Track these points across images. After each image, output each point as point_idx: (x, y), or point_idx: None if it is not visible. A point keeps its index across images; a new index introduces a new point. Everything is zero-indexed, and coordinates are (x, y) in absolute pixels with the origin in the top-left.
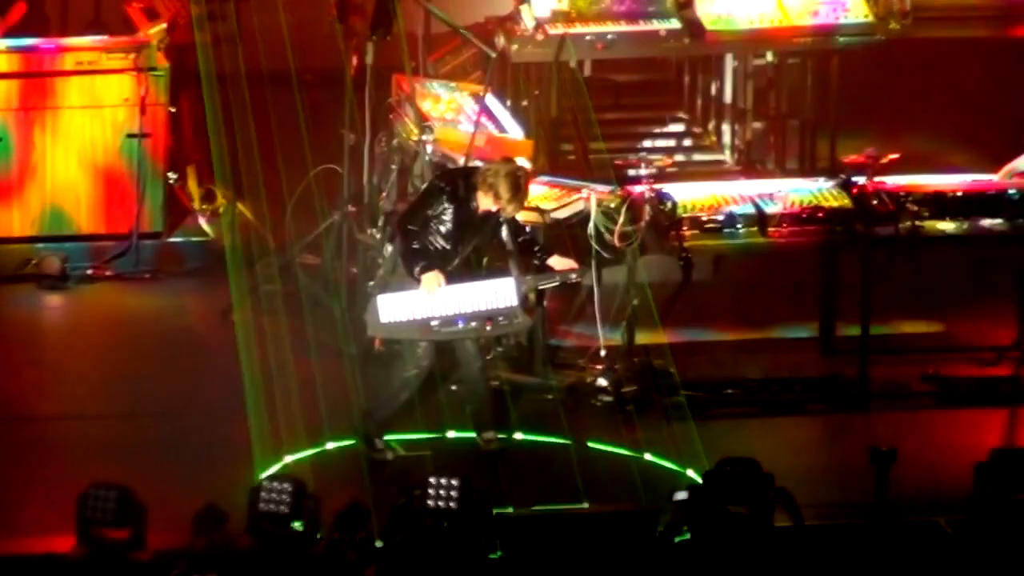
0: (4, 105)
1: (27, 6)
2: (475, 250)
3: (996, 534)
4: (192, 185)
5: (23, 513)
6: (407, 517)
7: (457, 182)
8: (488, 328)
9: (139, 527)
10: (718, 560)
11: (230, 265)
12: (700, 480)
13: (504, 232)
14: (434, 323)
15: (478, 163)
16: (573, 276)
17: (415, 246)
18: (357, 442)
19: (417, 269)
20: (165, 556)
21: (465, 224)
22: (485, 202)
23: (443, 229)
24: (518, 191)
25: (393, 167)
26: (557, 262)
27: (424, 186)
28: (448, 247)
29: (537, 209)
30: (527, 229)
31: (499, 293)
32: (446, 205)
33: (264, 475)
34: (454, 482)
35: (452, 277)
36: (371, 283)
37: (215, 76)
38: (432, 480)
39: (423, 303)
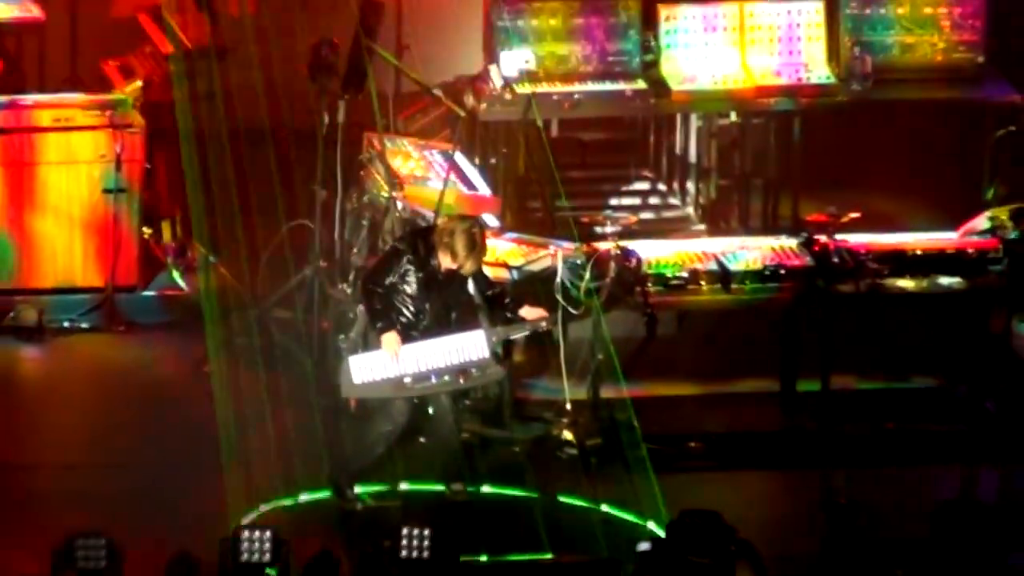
0: None
1: (4, 63)
2: (444, 306)
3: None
4: (167, 239)
5: (4, 557)
6: (377, 565)
7: (417, 243)
8: (462, 381)
9: (115, 572)
10: None
11: (205, 318)
12: (661, 532)
13: (471, 286)
14: (407, 379)
15: (438, 221)
16: (543, 324)
17: (377, 306)
18: (330, 492)
19: (377, 329)
20: None
21: (430, 283)
22: (445, 260)
23: (409, 290)
24: (474, 247)
25: (364, 223)
26: (528, 312)
27: (386, 248)
28: (416, 307)
29: (505, 265)
30: (494, 283)
31: (471, 346)
32: (408, 267)
33: (240, 523)
34: (424, 532)
35: (423, 333)
36: (342, 337)
37: (191, 133)
38: (403, 530)
39: (395, 361)
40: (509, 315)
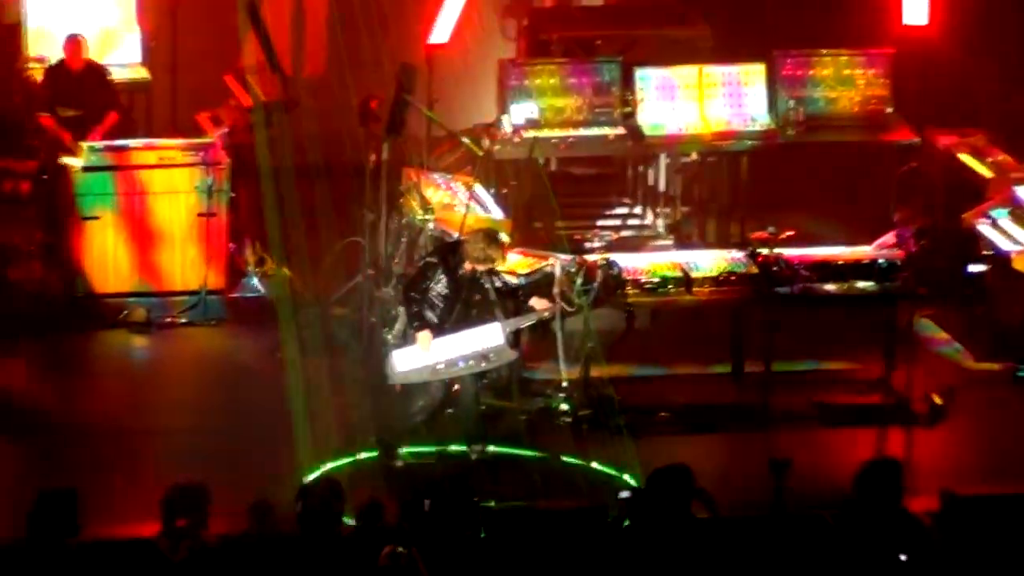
0: (104, 191)
1: (119, 115)
2: (467, 305)
3: (869, 525)
4: (248, 253)
5: (122, 505)
6: (414, 509)
7: (447, 256)
8: (483, 364)
9: (206, 516)
10: (653, 543)
11: (278, 315)
12: (637, 483)
13: (489, 287)
14: (439, 366)
15: (462, 238)
16: (547, 314)
17: (414, 310)
18: (377, 453)
19: (414, 328)
20: (227, 538)
21: (458, 286)
22: (474, 261)
23: (441, 292)
24: (496, 243)
25: (403, 240)
26: (536, 302)
27: (422, 261)
28: (445, 307)
29: (514, 273)
30: (509, 280)
31: (488, 336)
32: (440, 275)
33: (307, 476)
34: (454, 483)
35: (451, 328)
36: (387, 331)
37: (268, 169)
38: (438, 481)
39: (429, 352)
40: (523, 303)
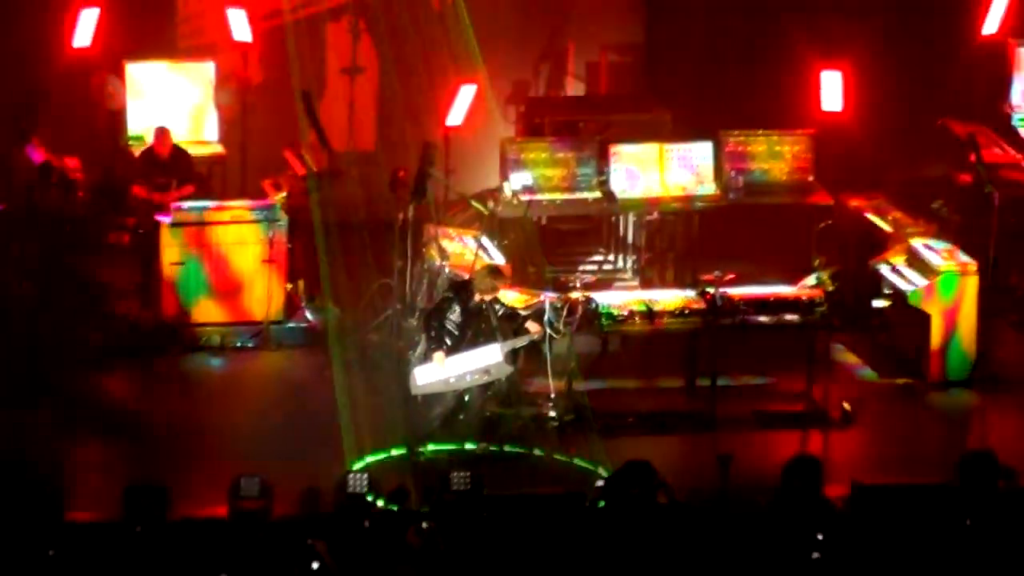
0: (187, 242)
1: (195, 187)
2: (475, 330)
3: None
4: (302, 291)
5: (197, 490)
6: (435, 495)
7: (460, 291)
8: (486, 377)
9: (268, 501)
10: (622, 523)
11: (326, 341)
12: (610, 474)
13: (492, 315)
14: (452, 379)
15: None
16: (536, 336)
17: (433, 335)
18: (404, 449)
19: (431, 350)
20: (284, 519)
21: (469, 315)
22: (482, 292)
23: (456, 320)
24: (499, 275)
25: (425, 281)
26: (531, 325)
27: (440, 296)
28: (459, 332)
29: (511, 308)
30: (506, 308)
31: (490, 354)
32: (455, 306)
33: (348, 468)
34: (465, 474)
35: (462, 348)
36: (411, 353)
37: (319, 224)
38: (452, 472)
39: (444, 369)
40: (520, 328)
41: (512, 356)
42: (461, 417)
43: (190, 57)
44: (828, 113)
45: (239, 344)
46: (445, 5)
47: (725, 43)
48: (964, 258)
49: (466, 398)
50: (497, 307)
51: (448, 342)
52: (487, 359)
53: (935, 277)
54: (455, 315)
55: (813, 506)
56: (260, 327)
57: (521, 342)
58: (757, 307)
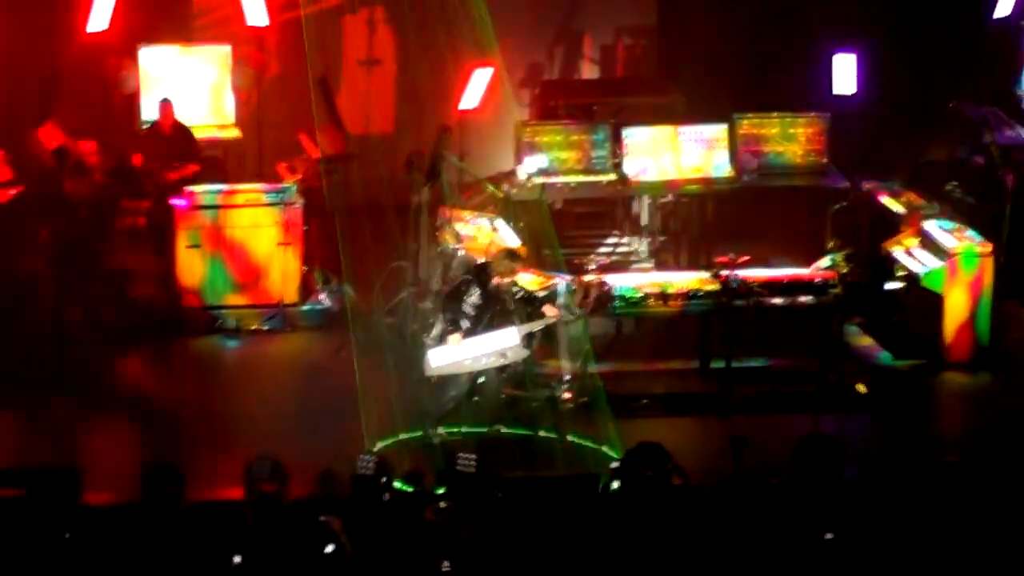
0: (201, 224)
1: (198, 166)
2: (492, 312)
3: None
4: (317, 274)
5: (212, 474)
6: (447, 476)
7: (480, 273)
8: (502, 360)
9: (284, 484)
10: (636, 505)
11: (340, 323)
12: (624, 456)
13: (510, 297)
14: (467, 362)
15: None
16: (553, 319)
17: (450, 316)
18: (419, 432)
19: (448, 331)
20: (298, 501)
21: (488, 297)
22: (500, 275)
23: (476, 303)
24: (516, 258)
25: (439, 263)
26: (548, 309)
27: (459, 279)
28: (476, 314)
29: (526, 290)
30: (523, 292)
31: (507, 337)
32: (474, 289)
33: (363, 450)
34: (475, 456)
35: (480, 329)
36: (426, 335)
37: (334, 208)
38: (462, 454)
39: (459, 351)
40: (536, 311)
41: (528, 339)
42: (476, 400)
43: (205, 41)
44: (842, 96)
45: (255, 327)
46: None
47: (739, 25)
48: (977, 240)
49: (481, 379)
50: (515, 290)
51: (465, 325)
52: (504, 342)
53: (948, 259)
54: (474, 298)
55: (826, 485)
56: (276, 309)
57: (538, 325)
58: (771, 289)
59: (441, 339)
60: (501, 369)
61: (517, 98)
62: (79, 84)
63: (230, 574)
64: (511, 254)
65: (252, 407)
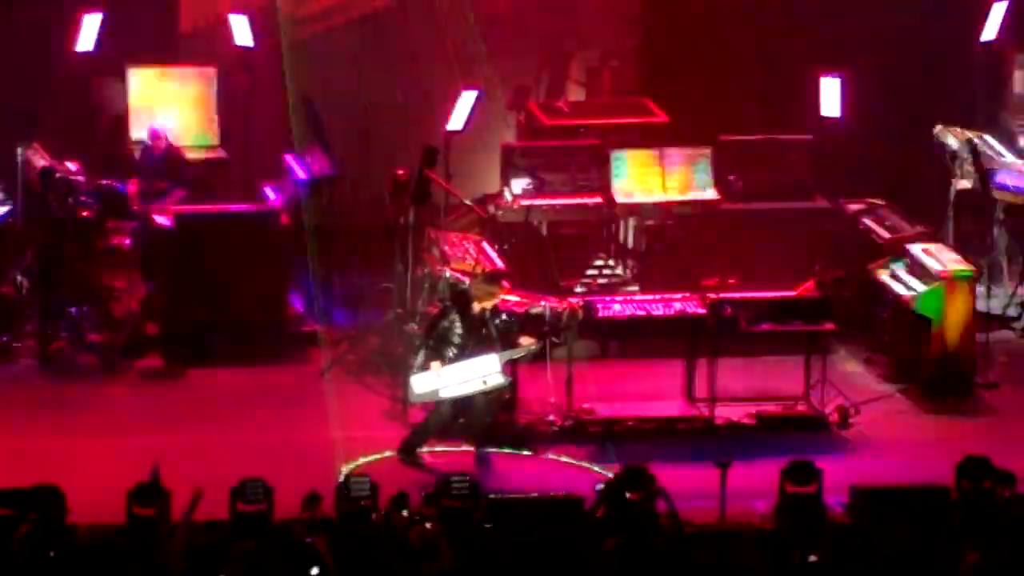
0: (188, 245)
1: (186, 191)
2: (474, 339)
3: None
4: (301, 295)
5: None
6: (436, 499)
7: (460, 300)
8: (483, 387)
9: (270, 505)
10: (620, 527)
11: (327, 344)
12: (610, 479)
13: (492, 325)
14: (449, 389)
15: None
16: (534, 349)
17: (431, 344)
18: (403, 454)
19: (427, 358)
20: (285, 520)
21: (469, 323)
22: (479, 299)
23: (458, 331)
24: (495, 281)
25: (425, 285)
26: (524, 340)
27: (440, 306)
28: (459, 341)
29: (511, 312)
30: (505, 318)
31: (487, 365)
32: (454, 315)
33: (345, 471)
34: (464, 478)
35: (462, 356)
36: (412, 359)
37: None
38: (453, 477)
39: (440, 378)
40: (516, 339)
41: (510, 366)
42: (461, 422)
43: (192, 62)
44: (827, 119)
45: (240, 347)
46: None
47: (724, 48)
48: (964, 263)
49: (469, 402)
50: (496, 317)
51: (448, 352)
52: (485, 369)
53: (934, 283)
54: (455, 324)
55: (811, 511)
56: (261, 331)
57: (519, 353)
58: (757, 312)
59: (423, 367)
60: (489, 393)
61: (504, 120)
62: (65, 104)
63: None
64: (489, 277)
65: (238, 428)
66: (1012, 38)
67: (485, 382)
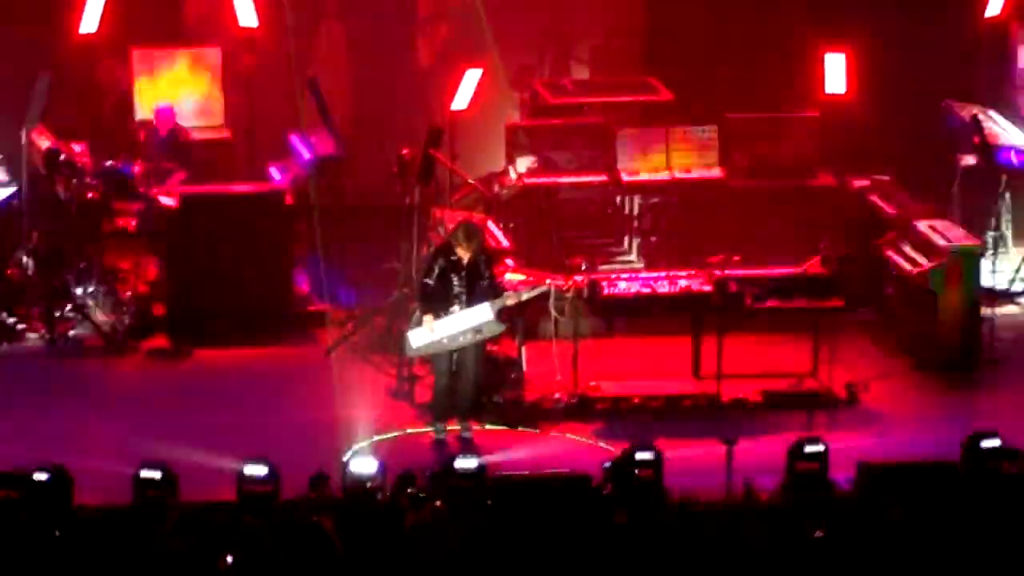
0: (193, 227)
1: (187, 173)
2: (466, 289)
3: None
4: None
5: (204, 477)
6: (442, 480)
7: (442, 252)
8: (477, 336)
9: (276, 485)
10: (626, 502)
11: (332, 324)
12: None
13: (487, 274)
14: (444, 340)
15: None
16: (536, 291)
17: (424, 294)
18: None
19: (422, 312)
20: (291, 502)
21: (458, 272)
22: (461, 247)
23: (445, 283)
24: (469, 235)
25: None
26: (521, 287)
27: (427, 256)
28: (451, 292)
29: (516, 289)
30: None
31: (480, 314)
32: (440, 260)
33: (352, 450)
34: (470, 457)
35: (453, 307)
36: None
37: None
38: (462, 455)
39: (436, 330)
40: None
41: (502, 314)
42: (466, 400)
43: (196, 43)
44: (832, 95)
45: (246, 329)
46: None
47: (728, 25)
48: (969, 239)
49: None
50: (488, 268)
51: (441, 305)
52: (478, 318)
53: (940, 258)
54: (446, 274)
55: (817, 487)
56: (267, 311)
57: (510, 299)
58: (763, 289)
59: (418, 322)
60: (486, 369)
61: (509, 99)
62: (70, 86)
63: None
64: (467, 227)
65: (243, 409)
66: (1017, 14)
67: (480, 331)
